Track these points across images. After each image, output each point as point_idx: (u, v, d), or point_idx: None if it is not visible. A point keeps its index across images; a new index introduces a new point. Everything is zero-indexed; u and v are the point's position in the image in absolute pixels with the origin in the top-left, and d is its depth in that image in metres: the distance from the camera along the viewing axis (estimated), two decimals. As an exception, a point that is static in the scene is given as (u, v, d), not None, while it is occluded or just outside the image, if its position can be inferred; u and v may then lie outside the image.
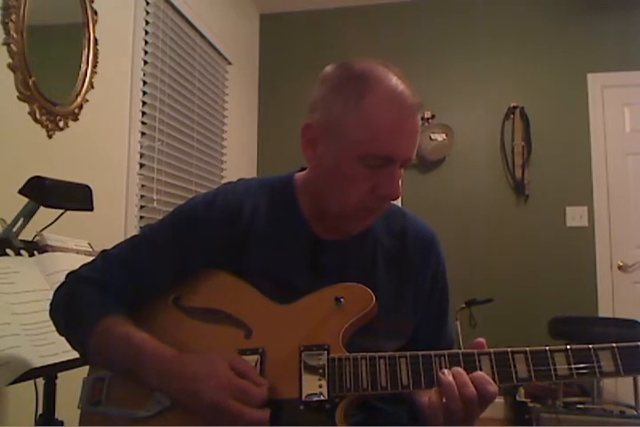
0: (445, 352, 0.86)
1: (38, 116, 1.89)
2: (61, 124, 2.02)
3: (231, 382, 0.83)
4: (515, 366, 0.83)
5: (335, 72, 0.96)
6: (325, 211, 0.99)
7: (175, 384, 0.86)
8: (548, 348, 0.83)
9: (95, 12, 2.20)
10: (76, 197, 1.47)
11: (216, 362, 0.86)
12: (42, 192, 1.37)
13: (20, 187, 1.37)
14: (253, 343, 0.92)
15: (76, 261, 1.11)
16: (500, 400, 3.23)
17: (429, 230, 1.11)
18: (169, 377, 0.86)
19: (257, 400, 0.83)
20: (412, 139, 0.93)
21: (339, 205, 0.96)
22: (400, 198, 3.83)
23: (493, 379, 0.82)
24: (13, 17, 1.75)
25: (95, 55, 2.20)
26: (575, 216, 3.73)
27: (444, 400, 0.81)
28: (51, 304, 1.02)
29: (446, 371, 0.83)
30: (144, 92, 2.64)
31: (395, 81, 0.92)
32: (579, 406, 2.89)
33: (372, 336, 0.95)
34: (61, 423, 1.35)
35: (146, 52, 2.66)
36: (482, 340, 0.86)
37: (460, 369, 0.82)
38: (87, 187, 1.51)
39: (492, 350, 0.85)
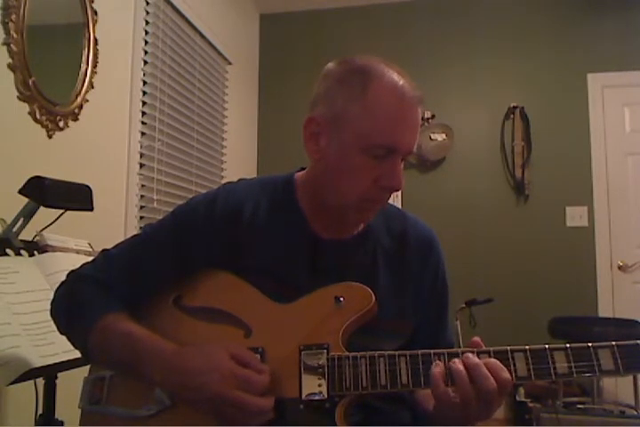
0: (445, 351, 0.86)
1: (38, 116, 1.89)
2: (61, 124, 2.02)
3: (234, 373, 0.84)
4: (514, 364, 0.83)
5: (338, 67, 0.98)
6: (326, 206, 1.00)
7: (177, 379, 0.86)
8: (547, 346, 0.83)
9: (95, 12, 2.20)
10: (76, 197, 1.47)
11: (216, 354, 0.86)
12: (42, 192, 1.37)
13: (20, 187, 1.37)
14: (253, 342, 0.92)
15: (76, 261, 1.11)
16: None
17: (429, 232, 1.11)
18: (170, 372, 0.87)
19: (260, 388, 0.84)
20: (413, 130, 0.94)
21: (341, 197, 0.96)
22: (400, 198, 3.79)
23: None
24: (13, 17, 1.76)
25: (95, 55, 2.20)
26: (575, 216, 3.73)
27: (452, 391, 0.81)
28: (52, 303, 1.02)
29: (457, 360, 0.82)
30: (144, 92, 2.64)
31: (396, 75, 0.94)
32: (579, 406, 2.89)
33: (372, 337, 0.96)
34: (61, 423, 1.34)
35: (146, 52, 2.66)
36: (477, 339, 0.86)
37: (477, 361, 0.81)
38: (87, 187, 1.52)
39: (491, 348, 0.85)
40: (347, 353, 0.89)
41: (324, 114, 0.95)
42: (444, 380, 0.82)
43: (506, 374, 0.80)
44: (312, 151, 0.99)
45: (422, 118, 0.97)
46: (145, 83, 2.65)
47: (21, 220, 1.41)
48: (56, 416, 1.34)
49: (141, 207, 2.62)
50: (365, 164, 0.92)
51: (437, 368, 0.82)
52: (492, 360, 0.81)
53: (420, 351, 0.86)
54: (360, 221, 1.03)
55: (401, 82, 0.93)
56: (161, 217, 1.11)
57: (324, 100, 0.96)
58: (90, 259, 1.07)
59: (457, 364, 0.82)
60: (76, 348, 0.99)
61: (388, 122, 0.91)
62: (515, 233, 3.76)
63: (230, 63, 3.67)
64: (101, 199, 1.64)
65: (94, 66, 2.20)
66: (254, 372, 0.85)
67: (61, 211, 1.50)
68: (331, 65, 0.99)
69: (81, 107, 2.13)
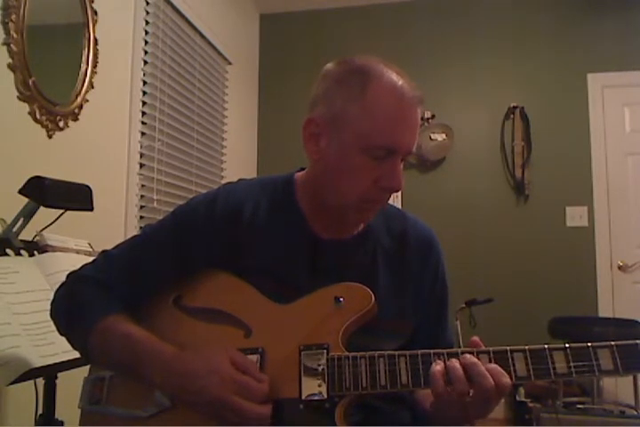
0: (445, 351, 0.86)
1: (38, 116, 1.89)
2: (61, 124, 2.02)
3: (233, 378, 0.84)
4: (514, 364, 0.83)
5: (337, 67, 0.98)
6: (325, 206, 1.00)
7: (177, 381, 0.86)
8: (546, 346, 0.83)
9: (95, 12, 2.20)
10: (76, 197, 1.47)
11: (217, 358, 0.86)
12: (42, 192, 1.37)
13: (20, 187, 1.37)
14: (253, 343, 0.92)
15: (76, 261, 1.11)
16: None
17: (429, 232, 1.11)
18: (170, 374, 0.87)
19: (259, 396, 0.84)
20: (412, 131, 0.94)
21: (340, 198, 0.96)
22: (400, 198, 3.79)
23: None
24: (13, 17, 1.76)
25: (95, 55, 2.20)
26: (575, 216, 3.73)
27: (449, 389, 0.81)
28: (51, 304, 1.02)
29: (455, 359, 0.83)
30: (144, 92, 2.64)
31: (395, 75, 0.94)
32: (579, 406, 2.89)
33: (372, 337, 0.96)
34: (61, 423, 1.34)
35: (146, 52, 2.66)
36: (476, 338, 0.86)
37: (475, 360, 0.82)
38: (87, 187, 1.52)
39: (490, 348, 0.85)
40: (346, 353, 0.89)
41: (323, 114, 0.95)
42: (444, 378, 0.82)
43: (506, 379, 0.80)
44: (312, 152, 0.98)
45: (422, 118, 0.97)
46: (145, 83, 2.65)
47: (21, 220, 1.41)
48: (56, 416, 1.34)
49: (141, 207, 2.62)
50: (365, 164, 0.92)
51: (438, 366, 0.82)
52: (493, 365, 0.81)
53: (419, 351, 0.86)
54: (360, 221, 1.03)
55: (400, 82, 0.93)
56: (161, 217, 1.11)
57: (324, 100, 0.96)
58: (90, 259, 1.07)
59: (454, 362, 0.82)
60: (76, 349, 0.99)
61: (387, 122, 0.91)
62: (515, 233, 3.76)
63: (230, 63, 3.67)
64: (101, 199, 1.64)
65: (94, 66, 2.20)
66: (254, 379, 0.85)
67: (61, 211, 1.50)
68: (330, 65, 0.99)
69: (81, 107, 2.13)
